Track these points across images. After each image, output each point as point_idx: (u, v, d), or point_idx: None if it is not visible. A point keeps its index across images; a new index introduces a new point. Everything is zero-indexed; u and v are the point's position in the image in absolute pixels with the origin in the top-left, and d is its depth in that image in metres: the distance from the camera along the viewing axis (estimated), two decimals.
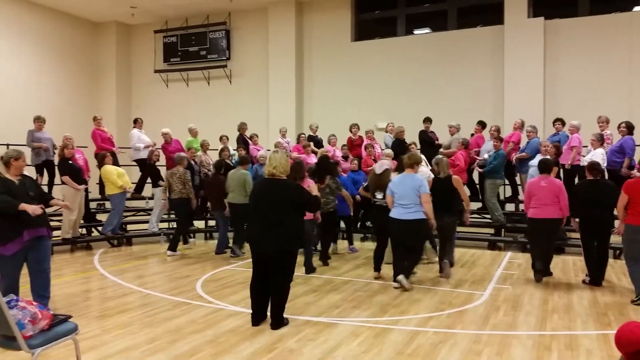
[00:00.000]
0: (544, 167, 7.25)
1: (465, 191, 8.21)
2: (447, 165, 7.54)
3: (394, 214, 6.61)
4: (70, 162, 9.39)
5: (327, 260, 8.38)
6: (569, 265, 8.22)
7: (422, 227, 6.62)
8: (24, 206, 4.88)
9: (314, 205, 5.28)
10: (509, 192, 10.89)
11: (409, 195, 6.50)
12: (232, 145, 11.59)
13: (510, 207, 10.92)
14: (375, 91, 14.74)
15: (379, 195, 7.37)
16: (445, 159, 7.63)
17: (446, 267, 7.33)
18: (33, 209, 4.91)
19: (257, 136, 12.08)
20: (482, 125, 10.97)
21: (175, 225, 11.06)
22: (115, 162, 10.44)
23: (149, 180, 11.08)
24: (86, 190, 10.27)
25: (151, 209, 11.13)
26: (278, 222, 4.95)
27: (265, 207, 5.01)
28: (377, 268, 7.45)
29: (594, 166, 7.00)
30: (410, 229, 6.51)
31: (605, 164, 8.69)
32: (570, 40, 12.87)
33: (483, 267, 8.23)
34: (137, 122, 11.51)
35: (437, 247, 8.01)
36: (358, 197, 9.27)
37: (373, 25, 15.69)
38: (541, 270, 7.13)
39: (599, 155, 8.56)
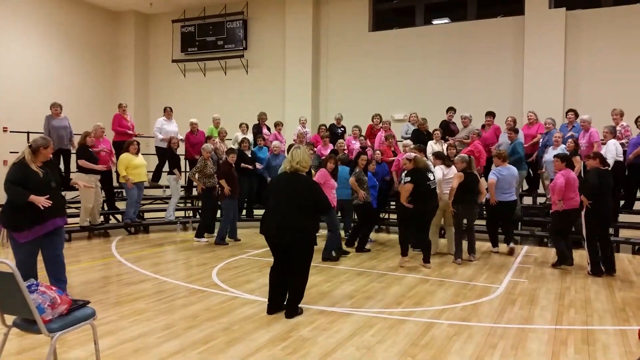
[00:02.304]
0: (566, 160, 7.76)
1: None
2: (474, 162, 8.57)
3: (499, 197, 8.46)
4: (90, 150, 9.45)
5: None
6: (586, 260, 8.09)
7: (516, 205, 8.87)
8: (33, 198, 4.91)
9: (323, 206, 5.28)
10: (525, 185, 10.75)
11: (510, 182, 8.48)
12: (249, 135, 11.60)
13: (527, 200, 10.79)
14: (393, 82, 14.62)
15: (431, 177, 7.61)
16: (473, 158, 8.47)
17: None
18: (41, 201, 4.92)
19: (281, 124, 12.09)
20: (492, 115, 10.74)
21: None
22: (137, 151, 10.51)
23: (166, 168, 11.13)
24: (109, 177, 10.40)
25: (168, 198, 11.22)
26: (295, 214, 4.99)
27: (285, 199, 5.06)
28: (405, 252, 7.65)
29: (601, 155, 7.42)
30: (511, 207, 8.63)
31: (619, 155, 8.92)
32: (593, 32, 12.60)
33: (499, 260, 8.18)
34: (165, 111, 11.49)
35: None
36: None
37: (391, 15, 15.53)
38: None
39: (612, 147, 8.75)
